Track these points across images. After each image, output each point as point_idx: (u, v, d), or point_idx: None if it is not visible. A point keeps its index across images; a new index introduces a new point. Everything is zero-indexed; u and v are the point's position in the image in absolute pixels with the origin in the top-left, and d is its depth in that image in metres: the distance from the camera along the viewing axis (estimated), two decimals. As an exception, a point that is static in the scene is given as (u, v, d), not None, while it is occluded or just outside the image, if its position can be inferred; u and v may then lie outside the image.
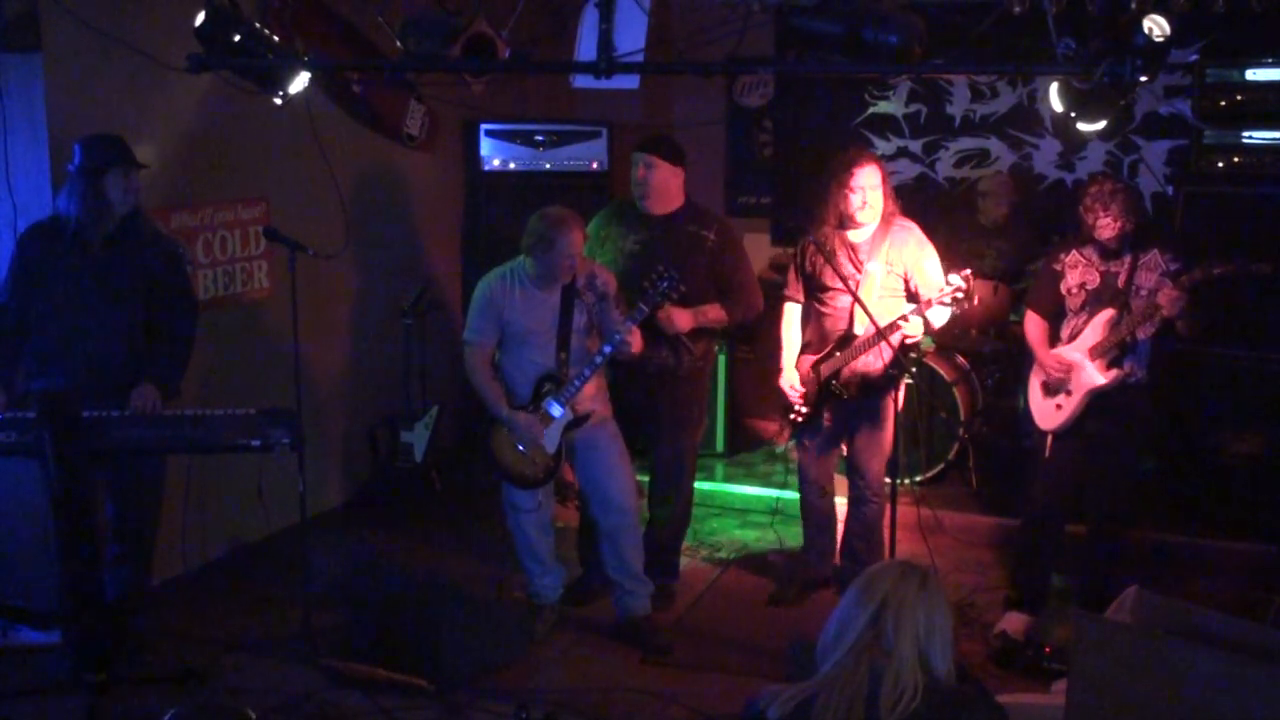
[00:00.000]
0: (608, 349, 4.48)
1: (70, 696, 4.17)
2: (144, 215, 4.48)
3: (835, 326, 4.82)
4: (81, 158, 4.26)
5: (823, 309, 4.87)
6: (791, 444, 5.44)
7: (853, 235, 4.76)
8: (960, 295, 4.55)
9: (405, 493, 6.19)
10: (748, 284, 4.98)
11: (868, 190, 4.65)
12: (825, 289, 4.83)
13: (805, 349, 4.96)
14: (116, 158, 4.27)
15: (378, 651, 4.44)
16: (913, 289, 4.76)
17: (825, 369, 4.82)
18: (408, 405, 6.21)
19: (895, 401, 4.48)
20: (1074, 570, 5.00)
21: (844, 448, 5.13)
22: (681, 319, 4.80)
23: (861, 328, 4.71)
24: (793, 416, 4.97)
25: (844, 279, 4.64)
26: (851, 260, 4.74)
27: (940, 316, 4.69)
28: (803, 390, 4.89)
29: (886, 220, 4.75)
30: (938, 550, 5.34)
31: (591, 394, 4.64)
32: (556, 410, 4.56)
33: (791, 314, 5.00)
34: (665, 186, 4.83)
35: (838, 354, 4.79)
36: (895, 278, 4.74)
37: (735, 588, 5.40)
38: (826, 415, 4.93)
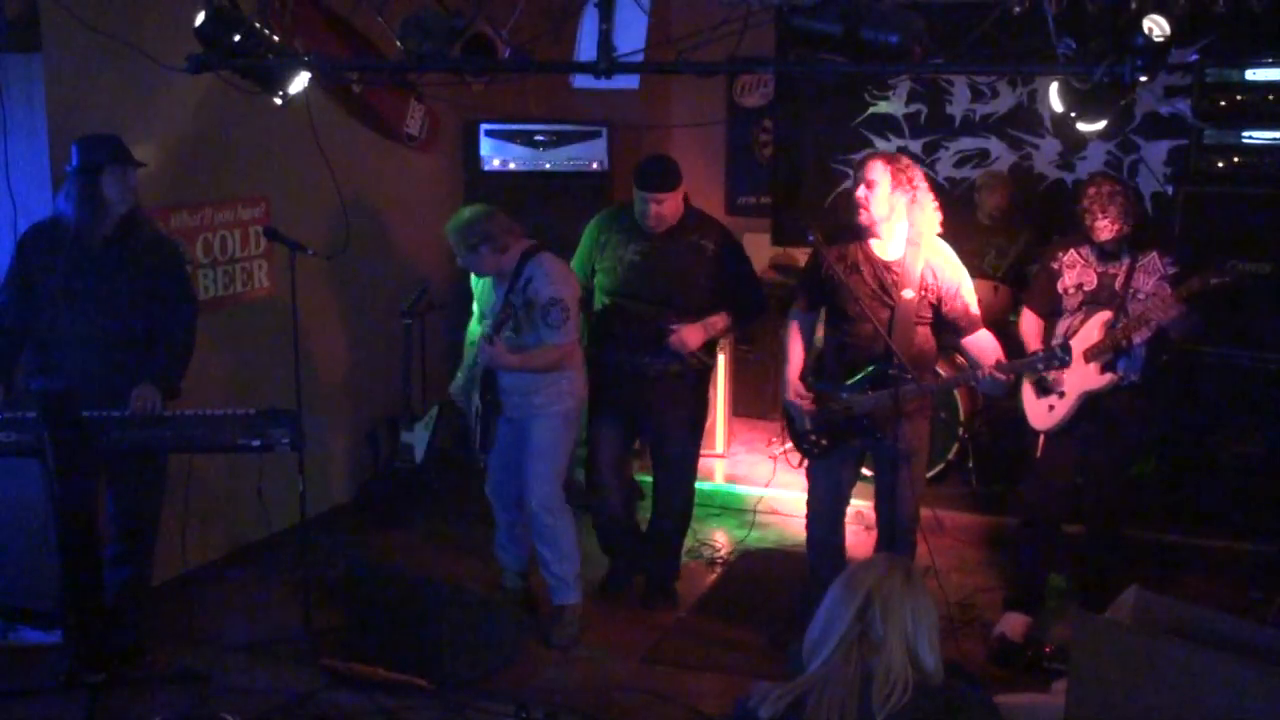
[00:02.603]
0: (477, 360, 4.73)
1: (70, 696, 4.17)
2: (143, 215, 4.48)
3: (865, 357, 4.35)
4: (78, 158, 4.26)
5: (845, 338, 4.42)
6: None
7: (879, 251, 4.33)
8: (1059, 367, 4.24)
9: (405, 493, 6.19)
10: (752, 287, 5.00)
11: (861, 183, 4.25)
12: (848, 315, 4.38)
13: (821, 372, 4.54)
14: (112, 156, 4.27)
15: (378, 651, 4.44)
16: (945, 314, 4.36)
17: (859, 407, 4.34)
18: (408, 405, 6.21)
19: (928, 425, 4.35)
20: (1073, 570, 5.00)
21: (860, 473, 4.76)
22: (693, 337, 4.81)
23: (902, 360, 4.21)
24: (806, 448, 4.53)
25: (882, 300, 4.26)
26: (882, 280, 4.31)
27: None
28: (811, 403, 4.44)
29: (919, 239, 4.31)
30: (938, 550, 5.34)
31: (525, 389, 4.72)
32: (473, 396, 4.81)
33: (795, 330, 4.58)
34: (675, 208, 4.81)
35: (869, 390, 4.31)
36: (927, 304, 4.33)
37: (735, 588, 5.40)
38: (827, 442, 4.49)
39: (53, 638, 4.58)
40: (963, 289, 4.37)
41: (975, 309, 4.42)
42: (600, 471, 5.08)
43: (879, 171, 4.26)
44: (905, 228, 4.33)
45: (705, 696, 4.38)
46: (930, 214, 4.34)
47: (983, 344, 4.41)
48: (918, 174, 4.33)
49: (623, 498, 5.19)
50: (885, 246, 4.34)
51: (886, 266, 4.33)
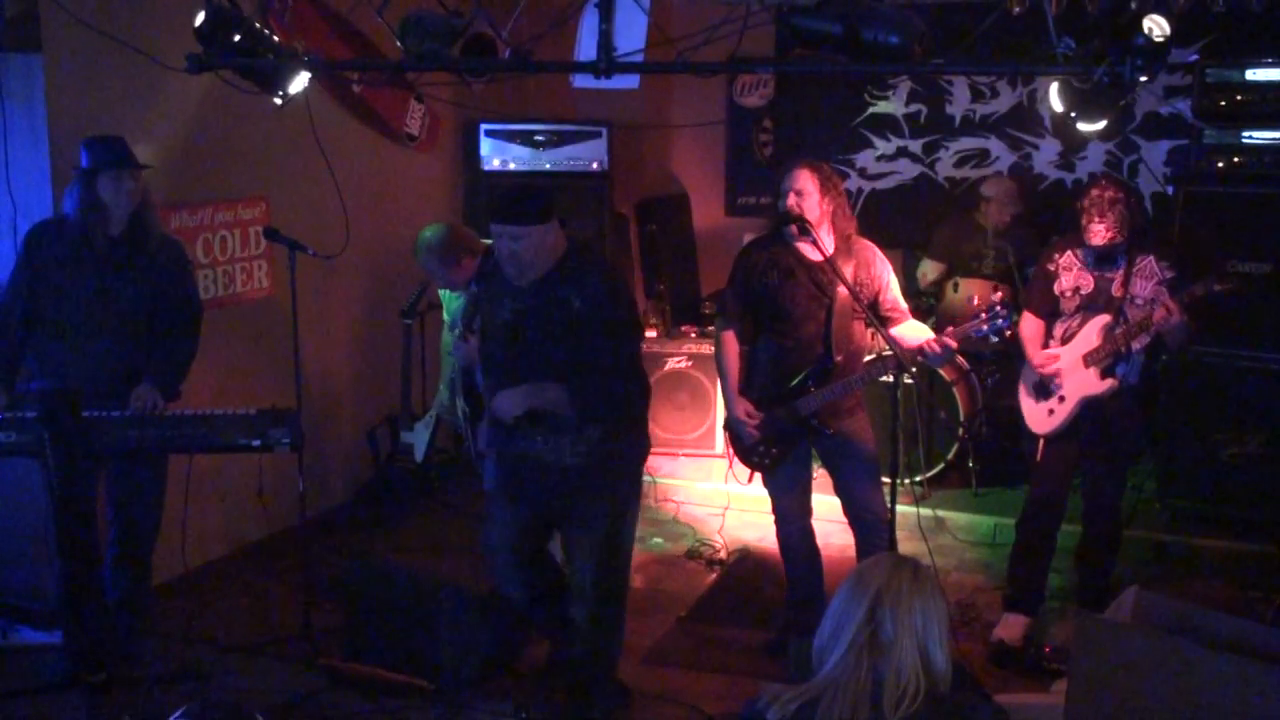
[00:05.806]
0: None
1: (70, 696, 4.17)
2: (154, 216, 4.45)
3: (801, 360, 4.39)
4: (85, 159, 4.26)
5: (785, 342, 4.42)
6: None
7: (810, 253, 4.36)
8: (1001, 323, 4.15)
9: (405, 493, 6.19)
10: (608, 367, 3.87)
11: (792, 194, 4.29)
12: (785, 316, 4.39)
13: (752, 390, 4.50)
14: (109, 160, 4.25)
15: (378, 651, 4.44)
16: (885, 310, 4.41)
17: (804, 407, 4.38)
18: (408, 405, 6.21)
19: (896, 405, 4.27)
20: (1073, 570, 5.00)
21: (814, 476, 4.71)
22: (510, 403, 3.90)
23: (841, 355, 4.35)
24: (757, 461, 4.51)
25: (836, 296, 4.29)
26: (816, 280, 4.36)
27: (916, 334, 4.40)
28: (757, 419, 4.44)
29: (846, 239, 4.39)
30: (938, 550, 5.35)
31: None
32: (457, 402, 4.85)
33: (731, 341, 4.53)
34: (540, 251, 3.81)
35: (813, 389, 4.36)
36: (865, 299, 4.35)
37: (735, 588, 5.40)
38: (777, 450, 4.49)
39: (53, 638, 4.58)
40: (892, 280, 4.47)
41: (903, 300, 4.50)
42: (495, 558, 4.31)
43: (807, 180, 4.32)
44: (830, 230, 4.38)
45: (705, 696, 4.38)
46: (849, 216, 4.44)
47: (911, 331, 4.43)
48: (838, 180, 4.43)
49: (528, 590, 4.30)
50: (815, 249, 4.37)
51: (820, 267, 4.36)
